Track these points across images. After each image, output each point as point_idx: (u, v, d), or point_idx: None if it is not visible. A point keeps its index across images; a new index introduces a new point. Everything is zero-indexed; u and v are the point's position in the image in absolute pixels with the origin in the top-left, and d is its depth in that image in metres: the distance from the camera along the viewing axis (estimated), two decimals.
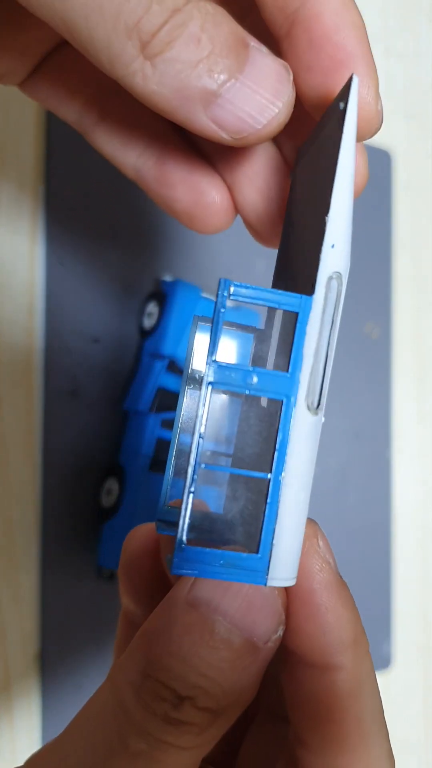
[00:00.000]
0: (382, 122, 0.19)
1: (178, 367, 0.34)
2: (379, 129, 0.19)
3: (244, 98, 0.17)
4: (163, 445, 0.34)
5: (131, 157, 0.21)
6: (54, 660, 0.34)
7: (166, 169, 0.21)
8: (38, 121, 0.34)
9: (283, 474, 0.16)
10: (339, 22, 0.18)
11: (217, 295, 0.16)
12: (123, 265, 0.36)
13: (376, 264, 0.45)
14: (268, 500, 0.16)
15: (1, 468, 0.33)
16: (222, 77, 0.17)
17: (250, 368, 0.16)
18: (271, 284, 0.20)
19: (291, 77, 0.18)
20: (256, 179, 0.21)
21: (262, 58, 0.17)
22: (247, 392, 0.16)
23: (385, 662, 0.45)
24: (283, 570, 0.17)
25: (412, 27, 0.48)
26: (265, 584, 0.16)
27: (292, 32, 0.18)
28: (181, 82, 0.16)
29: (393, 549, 0.46)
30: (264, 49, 0.18)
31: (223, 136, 0.17)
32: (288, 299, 0.16)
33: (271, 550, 0.16)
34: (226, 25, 0.17)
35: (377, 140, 0.46)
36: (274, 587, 0.17)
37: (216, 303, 0.16)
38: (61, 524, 0.34)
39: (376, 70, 0.19)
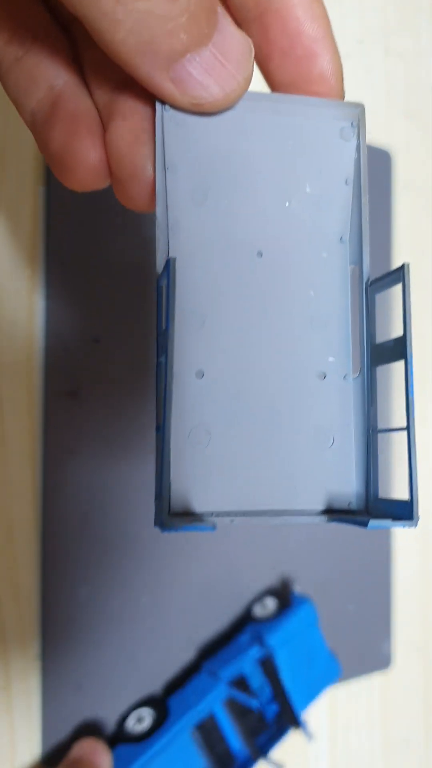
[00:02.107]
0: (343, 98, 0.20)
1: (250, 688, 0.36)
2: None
3: (211, 66, 0.17)
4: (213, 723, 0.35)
5: (33, 100, 0.20)
6: (54, 660, 0.34)
7: (55, 111, 0.20)
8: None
9: (168, 424, 0.17)
10: (311, 14, 0.19)
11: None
12: (123, 264, 0.36)
13: (376, 264, 0.45)
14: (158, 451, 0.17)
15: (1, 468, 0.33)
16: (192, 40, 0.17)
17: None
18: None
19: (253, 53, 0.18)
20: (138, 130, 0.20)
21: (229, 28, 0.17)
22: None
23: (385, 662, 0.45)
24: (312, 474, 0.19)
25: (412, 26, 0.48)
26: (163, 531, 0.17)
27: (264, 19, 0.19)
28: (151, 37, 0.16)
29: (393, 549, 0.46)
30: (230, 19, 0.18)
31: (178, 98, 0.18)
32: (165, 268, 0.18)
33: (164, 487, 0.17)
34: None
35: (377, 140, 0.46)
36: None
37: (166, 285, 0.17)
38: (62, 524, 0.34)
39: (339, 55, 0.20)
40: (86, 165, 0.19)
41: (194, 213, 0.19)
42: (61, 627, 0.34)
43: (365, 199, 0.20)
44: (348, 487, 0.20)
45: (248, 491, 0.19)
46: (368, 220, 0.20)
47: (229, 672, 0.35)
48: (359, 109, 0.20)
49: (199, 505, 0.19)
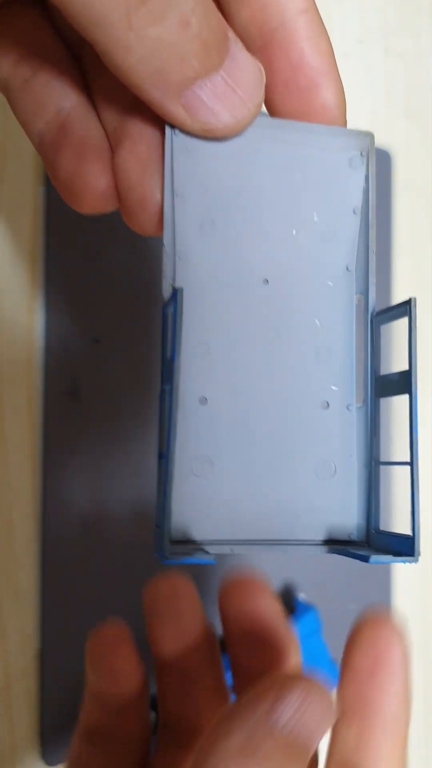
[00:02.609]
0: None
1: None
2: None
3: (221, 92, 0.17)
4: None
5: (41, 122, 0.20)
6: (54, 660, 0.34)
7: (63, 135, 0.19)
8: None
9: (172, 452, 0.17)
10: (316, 48, 0.19)
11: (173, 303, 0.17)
12: (123, 265, 0.36)
13: (376, 264, 0.45)
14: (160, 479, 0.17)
15: (1, 468, 0.33)
16: (204, 67, 0.17)
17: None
18: None
19: (264, 80, 0.18)
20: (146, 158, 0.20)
21: (241, 54, 0.17)
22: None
23: None
24: (311, 502, 0.19)
25: (412, 26, 0.48)
26: (164, 563, 0.17)
27: (268, 50, 0.19)
28: (163, 63, 0.16)
29: None
30: (241, 45, 0.18)
31: (189, 124, 0.18)
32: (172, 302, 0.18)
33: (165, 519, 0.17)
34: (213, 14, 0.17)
35: (377, 140, 0.46)
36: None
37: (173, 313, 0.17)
38: (62, 524, 0.34)
39: (343, 87, 0.20)
40: (95, 191, 0.19)
41: (201, 240, 0.19)
42: (61, 627, 0.34)
43: (373, 230, 0.20)
44: (349, 519, 0.20)
45: (249, 520, 0.19)
46: (375, 251, 0.20)
47: (229, 678, 0.35)
48: (369, 138, 0.20)
49: (198, 533, 0.19)
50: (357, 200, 0.20)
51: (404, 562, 0.18)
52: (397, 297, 0.46)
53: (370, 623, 0.19)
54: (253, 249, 0.19)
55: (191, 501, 0.19)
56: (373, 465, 0.20)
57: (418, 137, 0.49)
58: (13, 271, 0.33)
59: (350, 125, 0.20)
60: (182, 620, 0.21)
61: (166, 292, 0.19)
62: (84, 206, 0.19)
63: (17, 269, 0.34)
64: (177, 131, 0.18)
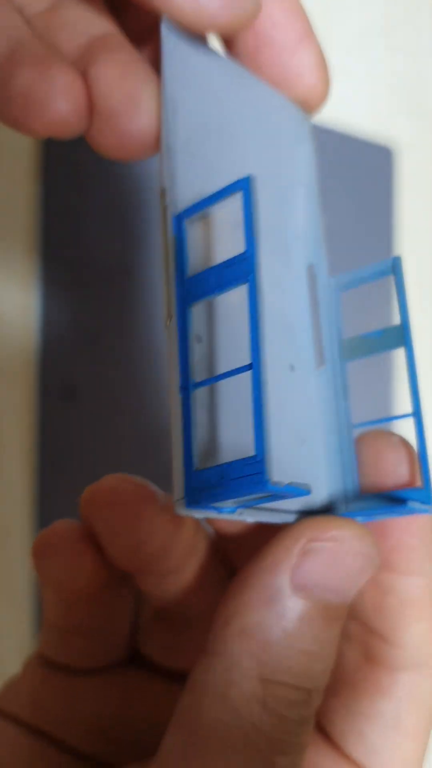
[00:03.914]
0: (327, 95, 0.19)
1: None
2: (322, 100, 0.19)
3: None
4: None
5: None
6: None
7: (20, 46, 0.16)
8: (37, 146, 0.34)
9: (262, 359, 0.15)
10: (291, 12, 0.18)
11: (174, 231, 0.16)
12: (120, 264, 0.36)
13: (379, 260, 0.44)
14: (254, 394, 0.15)
15: None
16: None
17: (208, 269, 0.16)
18: None
19: None
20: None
21: None
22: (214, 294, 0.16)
23: None
24: (286, 471, 0.17)
25: (414, 21, 0.48)
26: (267, 489, 0.14)
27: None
28: None
29: None
30: None
31: (187, 10, 0.16)
32: (230, 187, 0.16)
33: (266, 448, 0.14)
34: None
35: (379, 136, 0.45)
36: (369, 548, 0.16)
37: (177, 240, 0.16)
38: None
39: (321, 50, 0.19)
40: (64, 97, 0.15)
41: (187, 162, 0.17)
42: None
43: (317, 198, 0.20)
44: (320, 487, 0.19)
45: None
46: (320, 216, 0.20)
47: None
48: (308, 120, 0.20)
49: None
50: (305, 172, 0.20)
51: (402, 512, 0.17)
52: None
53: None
54: (224, 179, 0.18)
55: (210, 429, 0.17)
56: (345, 430, 0.19)
57: (420, 133, 0.48)
58: (8, 271, 0.33)
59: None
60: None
61: (178, 199, 0.16)
62: (43, 122, 0.15)
63: (12, 269, 0.33)
64: (172, 27, 0.17)
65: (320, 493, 0.19)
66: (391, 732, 0.18)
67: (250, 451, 0.15)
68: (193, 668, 0.16)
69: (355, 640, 0.19)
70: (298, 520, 0.17)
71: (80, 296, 0.35)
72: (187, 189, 0.17)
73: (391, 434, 0.18)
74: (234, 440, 0.17)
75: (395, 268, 0.18)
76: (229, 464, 0.15)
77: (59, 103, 0.15)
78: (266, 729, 0.15)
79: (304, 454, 0.19)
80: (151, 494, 0.18)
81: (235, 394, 0.18)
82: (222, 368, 0.17)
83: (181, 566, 0.19)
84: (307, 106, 0.19)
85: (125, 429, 0.36)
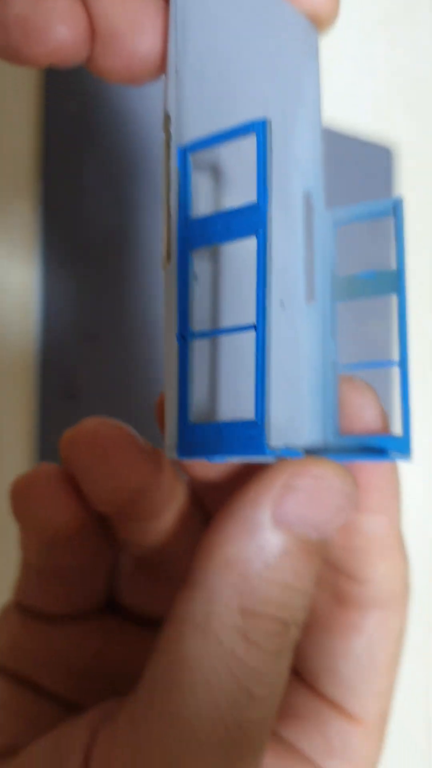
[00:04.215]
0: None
1: None
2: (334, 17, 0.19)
3: None
4: None
5: None
6: None
7: None
8: (36, 120, 0.34)
9: (268, 322, 0.14)
10: None
11: (179, 164, 0.15)
12: (120, 264, 0.36)
13: (379, 263, 0.44)
14: (256, 357, 0.14)
15: None
16: None
17: (216, 213, 0.15)
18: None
19: None
20: None
21: None
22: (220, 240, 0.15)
23: None
24: (284, 435, 0.17)
25: (415, 19, 0.48)
26: (266, 453, 0.14)
27: None
28: None
29: None
30: None
31: None
32: (243, 127, 0.15)
33: (266, 414, 0.14)
34: None
35: (379, 135, 0.45)
36: (350, 487, 0.16)
37: (180, 174, 0.15)
38: None
39: None
40: (64, 22, 0.14)
41: (196, 88, 0.16)
42: None
43: (320, 119, 0.19)
44: (303, 425, 0.18)
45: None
46: (320, 141, 0.19)
47: None
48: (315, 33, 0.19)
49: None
50: (309, 91, 0.19)
51: (382, 459, 0.17)
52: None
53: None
54: (232, 109, 0.17)
55: (209, 384, 0.17)
56: (331, 368, 0.19)
57: (421, 132, 0.48)
58: (8, 271, 0.33)
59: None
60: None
61: (186, 125, 0.15)
62: (43, 50, 0.14)
63: (12, 268, 0.33)
64: None
65: (302, 433, 0.18)
66: (365, 668, 0.19)
67: (249, 410, 0.15)
68: (174, 600, 0.16)
69: (326, 582, 0.19)
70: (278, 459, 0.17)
71: (81, 298, 0.35)
72: (195, 117, 0.16)
73: (355, 379, 0.18)
74: (233, 396, 0.17)
75: (396, 210, 0.17)
76: (228, 424, 0.15)
77: (59, 29, 0.14)
78: (245, 659, 0.15)
79: (289, 391, 0.18)
80: (130, 437, 0.18)
81: (237, 348, 0.17)
82: (223, 314, 0.17)
83: (161, 511, 0.19)
84: (318, 21, 0.19)
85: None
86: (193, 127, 0.16)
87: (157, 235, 0.37)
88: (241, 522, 0.16)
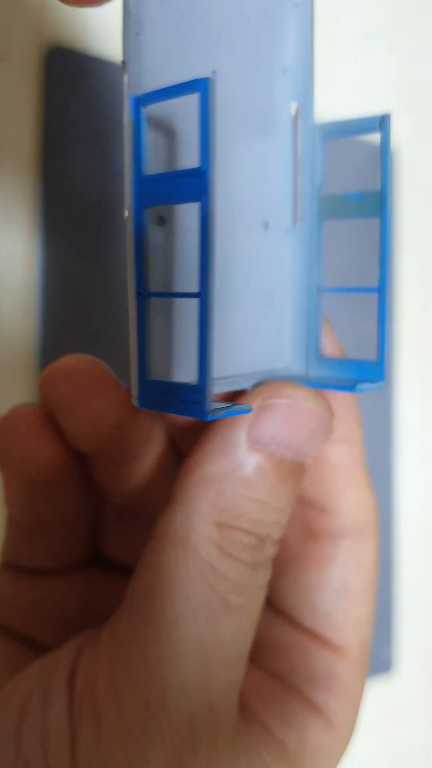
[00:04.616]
0: None
1: None
2: None
3: None
4: None
5: None
6: None
7: None
8: (36, 121, 0.34)
9: (210, 291, 0.14)
10: None
11: (133, 116, 0.15)
12: (122, 262, 0.36)
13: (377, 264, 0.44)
14: (199, 325, 0.14)
15: None
16: None
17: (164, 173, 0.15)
18: None
19: None
20: None
21: None
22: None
23: (387, 666, 0.44)
24: (264, 362, 0.17)
25: (414, 21, 0.48)
26: (206, 419, 0.15)
27: None
28: None
29: (394, 552, 0.46)
30: None
31: None
32: (187, 85, 0.14)
33: (207, 381, 0.15)
34: None
35: (379, 136, 0.45)
36: (324, 411, 0.16)
37: (134, 125, 0.15)
38: None
39: None
40: None
41: (157, 8, 0.16)
42: None
43: (312, 26, 0.18)
44: (284, 349, 0.18)
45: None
46: (312, 47, 0.18)
47: None
48: None
49: (167, 376, 0.17)
50: None
51: (372, 389, 0.17)
52: (403, 295, 0.46)
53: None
54: (204, 32, 0.17)
55: (166, 342, 0.17)
56: (315, 291, 0.18)
57: (420, 133, 0.48)
58: (8, 271, 0.33)
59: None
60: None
61: (143, 78, 0.15)
62: None
63: (13, 268, 0.33)
64: None
65: (284, 356, 0.18)
66: (340, 597, 0.19)
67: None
68: (157, 519, 0.17)
69: (296, 517, 0.20)
70: (251, 384, 0.18)
71: (81, 298, 0.35)
72: (157, 63, 0.16)
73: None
74: (188, 358, 0.17)
75: (383, 125, 0.17)
76: (178, 385, 0.15)
77: None
78: (222, 569, 0.16)
79: (271, 315, 0.18)
80: (107, 373, 0.19)
81: (191, 311, 0.17)
82: (188, 277, 0.17)
83: (139, 453, 0.19)
84: None
85: None
86: (154, 77, 0.16)
87: None
88: (218, 442, 0.16)
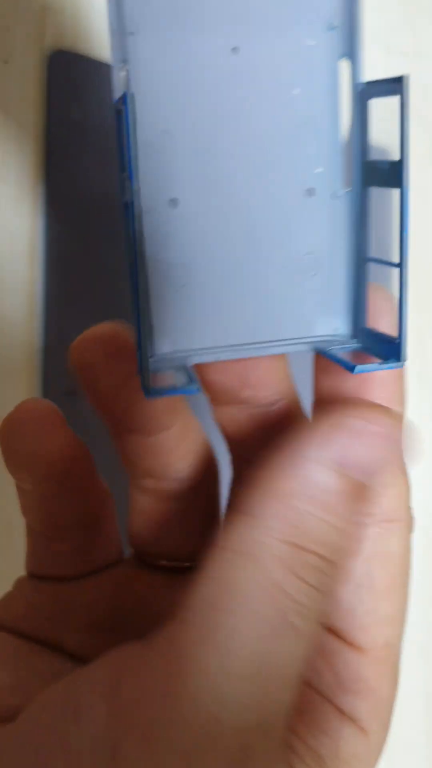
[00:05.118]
0: None
1: None
2: None
3: None
4: None
5: None
6: None
7: None
8: (38, 123, 0.34)
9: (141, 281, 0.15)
10: None
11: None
12: (123, 262, 0.36)
13: (383, 274, 0.44)
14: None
15: (0, 468, 0.33)
16: None
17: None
18: None
19: None
20: None
21: None
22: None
23: None
24: (312, 328, 0.17)
25: (414, 24, 0.48)
26: (149, 396, 0.16)
27: None
28: None
29: None
30: None
31: None
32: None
33: (144, 361, 0.16)
34: None
35: (378, 142, 0.46)
36: (398, 434, 0.16)
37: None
38: None
39: None
40: None
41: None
42: None
43: None
44: (335, 316, 0.18)
45: (233, 326, 0.18)
46: (361, 3, 0.17)
47: None
48: None
49: (184, 344, 0.18)
50: None
51: (390, 367, 0.17)
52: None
53: None
54: (216, 8, 0.16)
55: (172, 311, 0.17)
56: (361, 261, 0.18)
57: (420, 134, 0.48)
58: (11, 270, 0.33)
59: None
60: None
61: (117, 87, 0.16)
62: None
63: (16, 268, 0.33)
64: None
65: (336, 319, 0.18)
66: (364, 591, 0.18)
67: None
68: (222, 527, 0.16)
69: None
70: (311, 348, 0.18)
71: (84, 298, 0.35)
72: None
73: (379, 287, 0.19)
74: (202, 320, 0.18)
75: (401, 87, 0.16)
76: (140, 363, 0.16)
77: None
78: (290, 591, 0.15)
79: (317, 281, 0.18)
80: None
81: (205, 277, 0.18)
82: (203, 230, 0.17)
83: (167, 423, 0.19)
84: None
85: None
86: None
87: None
88: (291, 455, 0.16)
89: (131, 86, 0.16)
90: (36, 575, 0.21)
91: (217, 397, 0.19)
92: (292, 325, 0.18)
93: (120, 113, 0.15)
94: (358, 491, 0.16)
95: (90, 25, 0.35)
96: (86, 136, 0.35)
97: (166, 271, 0.17)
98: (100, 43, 0.35)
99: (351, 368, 0.16)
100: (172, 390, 0.16)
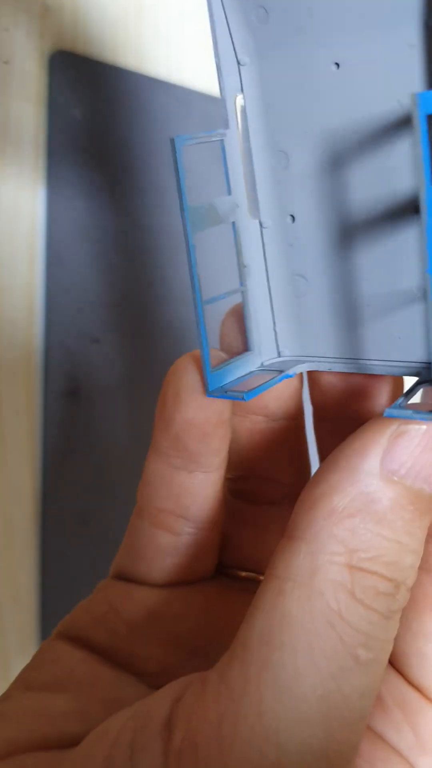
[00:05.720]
0: None
1: None
2: None
3: None
4: None
5: None
6: None
7: None
8: (39, 123, 0.34)
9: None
10: None
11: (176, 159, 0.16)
12: (124, 263, 0.36)
13: None
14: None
15: (0, 468, 0.33)
16: None
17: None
18: None
19: None
20: None
21: None
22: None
23: None
24: (388, 352, 0.18)
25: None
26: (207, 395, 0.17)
27: None
28: None
29: None
30: None
31: None
32: (214, 132, 0.17)
33: (206, 369, 0.17)
34: None
35: None
36: None
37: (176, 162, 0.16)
38: (61, 524, 0.34)
39: None
40: None
41: (259, 28, 0.17)
42: None
43: None
44: (417, 340, 0.17)
45: (341, 341, 0.18)
46: None
47: None
48: None
49: (297, 351, 0.19)
50: None
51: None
52: None
53: None
54: (322, 28, 0.16)
55: (289, 318, 0.18)
56: None
57: None
58: (12, 271, 0.33)
59: None
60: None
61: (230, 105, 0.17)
62: None
63: (16, 269, 0.34)
64: None
65: (416, 350, 0.18)
66: None
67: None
68: (274, 553, 0.15)
69: None
70: (419, 374, 0.17)
71: (85, 297, 0.35)
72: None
73: None
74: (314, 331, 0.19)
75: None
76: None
77: None
78: (352, 619, 0.14)
79: (415, 312, 0.17)
80: None
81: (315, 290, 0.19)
82: (319, 248, 0.18)
83: (275, 408, 0.18)
84: None
85: (127, 429, 0.36)
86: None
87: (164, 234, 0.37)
88: (349, 471, 0.14)
89: (247, 113, 0.17)
90: (125, 576, 0.19)
91: (324, 408, 0.18)
92: (400, 349, 0.18)
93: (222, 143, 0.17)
94: (421, 501, 0.14)
95: (90, 25, 0.35)
96: (86, 136, 0.35)
97: (286, 281, 0.18)
98: (100, 44, 0.35)
99: None
100: (224, 395, 0.16)
